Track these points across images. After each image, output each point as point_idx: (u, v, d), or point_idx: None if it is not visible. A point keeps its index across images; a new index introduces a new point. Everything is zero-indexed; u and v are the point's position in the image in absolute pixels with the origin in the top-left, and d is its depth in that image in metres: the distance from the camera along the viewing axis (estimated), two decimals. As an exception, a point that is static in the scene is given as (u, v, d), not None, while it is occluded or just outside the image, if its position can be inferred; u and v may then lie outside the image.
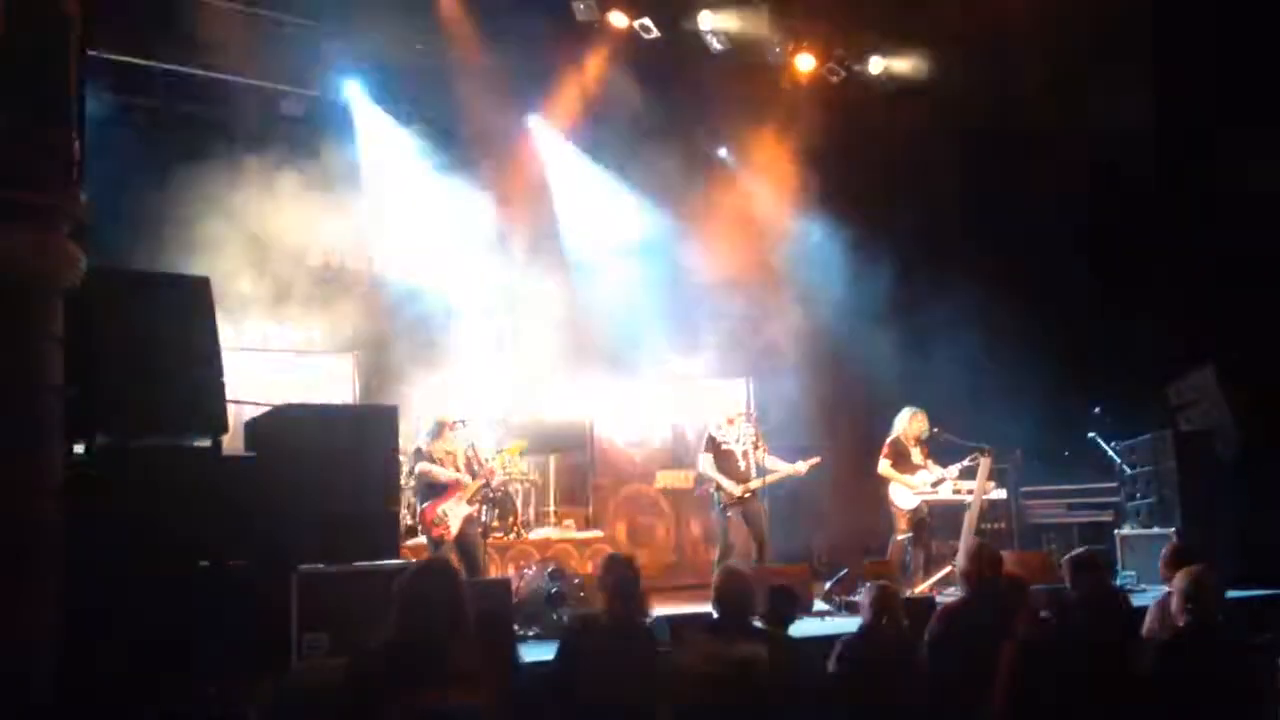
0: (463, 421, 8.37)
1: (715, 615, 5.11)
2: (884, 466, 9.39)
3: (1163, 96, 10.22)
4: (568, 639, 5.01)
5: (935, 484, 9.36)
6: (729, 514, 8.84)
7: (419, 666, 3.69)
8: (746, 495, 8.84)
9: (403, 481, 8.25)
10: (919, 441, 9.45)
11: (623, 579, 5.03)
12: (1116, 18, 9.71)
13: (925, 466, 9.44)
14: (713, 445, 8.97)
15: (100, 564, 4.82)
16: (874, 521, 9.96)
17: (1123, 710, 4.56)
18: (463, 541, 8.04)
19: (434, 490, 8.07)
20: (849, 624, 6.76)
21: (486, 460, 8.76)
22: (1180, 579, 4.89)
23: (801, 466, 9.00)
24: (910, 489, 9.30)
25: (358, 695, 3.71)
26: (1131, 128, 10.34)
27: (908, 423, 9.44)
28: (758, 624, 5.17)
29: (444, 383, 10.27)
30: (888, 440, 9.47)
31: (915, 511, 9.30)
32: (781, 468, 9.01)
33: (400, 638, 3.79)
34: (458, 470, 8.24)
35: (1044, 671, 4.59)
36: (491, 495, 9.35)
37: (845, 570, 8.58)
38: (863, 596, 5.56)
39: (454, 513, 8.05)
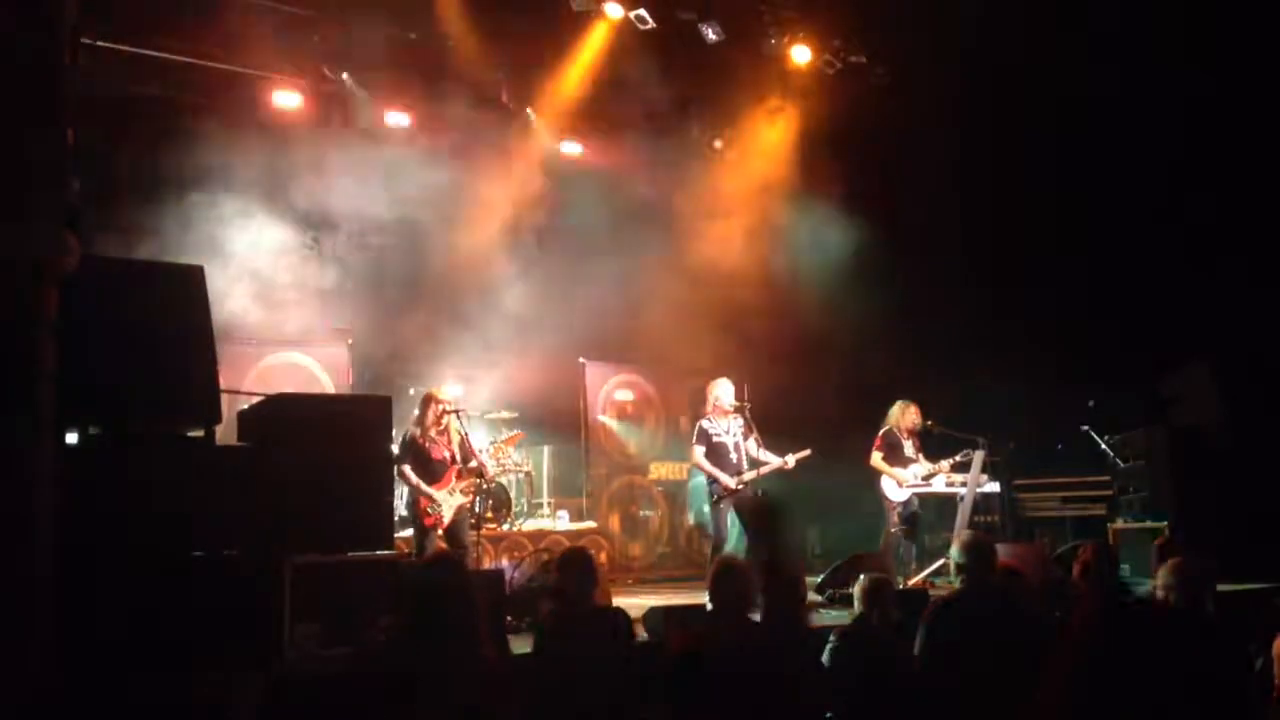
0: (456, 413, 8.29)
1: (711, 606, 5.11)
2: (876, 459, 9.44)
3: (1161, 93, 10.22)
4: (537, 636, 5.01)
5: (927, 477, 9.41)
6: (721, 506, 8.84)
7: (438, 660, 3.67)
8: (740, 487, 8.84)
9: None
10: (911, 434, 9.51)
11: (577, 576, 5.01)
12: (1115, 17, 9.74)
13: (917, 460, 9.49)
14: (704, 437, 8.96)
15: (93, 554, 4.81)
16: (869, 514, 9.99)
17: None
18: (453, 531, 7.97)
19: (428, 476, 7.98)
20: (843, 616, 6.77)
21: (481, 450, 8.72)
22: (1165, 571, 4.90)
23: (790, 460, 8.95)
24: (900, 482, 9.34)
25: (370, 690, 3.68)
26: (1129, 124, 10.36)
27: (900, 415, 9.49)
28: (755, 616, 5.18)
29: (439, 372, 10.25)
30: (880, 432, 9.51)
31: (906, 504, 9.35)
32: (771, 460, 8.99)
33: (414, 631, 3.77)
34: (452, 453, 8.10)
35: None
36: (486, 486, 9.35)
37: (839, 563, 8.59)
38: (855, 589, 5.57)
39: (448, 502, 7.98)
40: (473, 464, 8.19)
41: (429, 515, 7.87)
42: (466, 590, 3.88)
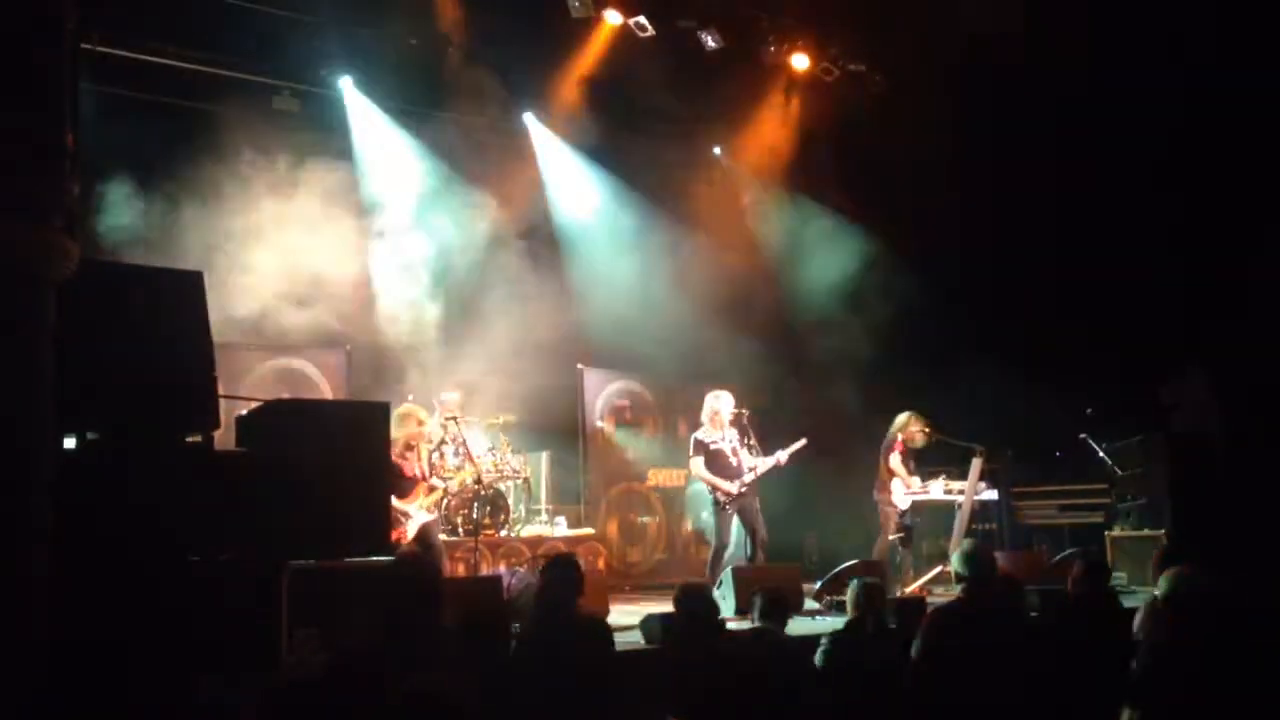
0: (454, 418, 8.31)
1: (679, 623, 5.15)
2: (895, 461, 9.52)
3: (1161, 96, 10.23)
4: (515, 650, 5.00)
5: (920, 490, 9.52)
6: (727, 509, 8.84)
7: (397, 655, 3.69)
8: (743, 490, 8.85)
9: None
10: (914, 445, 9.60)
11: (553, 579, 5.01)
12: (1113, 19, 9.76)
13: (914, 473, 9.62)
14: (701, 448, 8.97)
15: (91, 559, 4.81)
16: (866, 520, 10.00)
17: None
18: (420, 542, 7.92)
19: (397, 492, 7.85)
20: (840, 623, 6.77)
21: (479, 457, 8.75)
22: (1164, 580, 4.90)
23: (781, 456, 8.98)
24: (909, 487, 9.44)
25: (341, 689, 3.70)
26: (1128, 128, 10.38)
27: (913, 427, 9.53)
28: (732, 624, 5.23)
29: (437, 377, 10.25)
30: (897, 439, 9.53)
31: (906, 513, 9.37)
32: (766, 462, 8.99)
33: (380, 631, 3.79)
34: (421, 469, 8.11)
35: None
36: (483, 493, 9.36)
37: (837, 569, 8.59)
38: (848, 594, 5.58)
39: (415, 518, 7.95)
40: (435, 481, 8.28)
41: (394, 529, 7.88)
42: (431, 587, 3.89)
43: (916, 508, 9.47)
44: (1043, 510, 11.00)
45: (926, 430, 9.48)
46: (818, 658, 5.39)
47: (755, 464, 8.94)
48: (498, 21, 10.17)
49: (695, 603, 5.19)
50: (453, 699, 3.68)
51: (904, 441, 9.51)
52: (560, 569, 5.02)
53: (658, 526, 11.75)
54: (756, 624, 5.32)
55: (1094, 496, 10.43)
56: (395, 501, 7.85)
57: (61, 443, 4.93)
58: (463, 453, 9.06)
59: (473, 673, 3.93)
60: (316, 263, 10.20)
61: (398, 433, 7.98)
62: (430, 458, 8.32)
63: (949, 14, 9.98)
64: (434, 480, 8.33)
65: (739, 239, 12.17)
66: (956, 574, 5.18)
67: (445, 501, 8.85)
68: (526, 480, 10.61)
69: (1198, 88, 10.04)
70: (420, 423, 8.14)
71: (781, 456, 8.94)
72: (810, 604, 8.47)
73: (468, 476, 8.96)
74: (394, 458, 7.91)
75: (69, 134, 4.49)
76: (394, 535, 7.84)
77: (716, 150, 12.69)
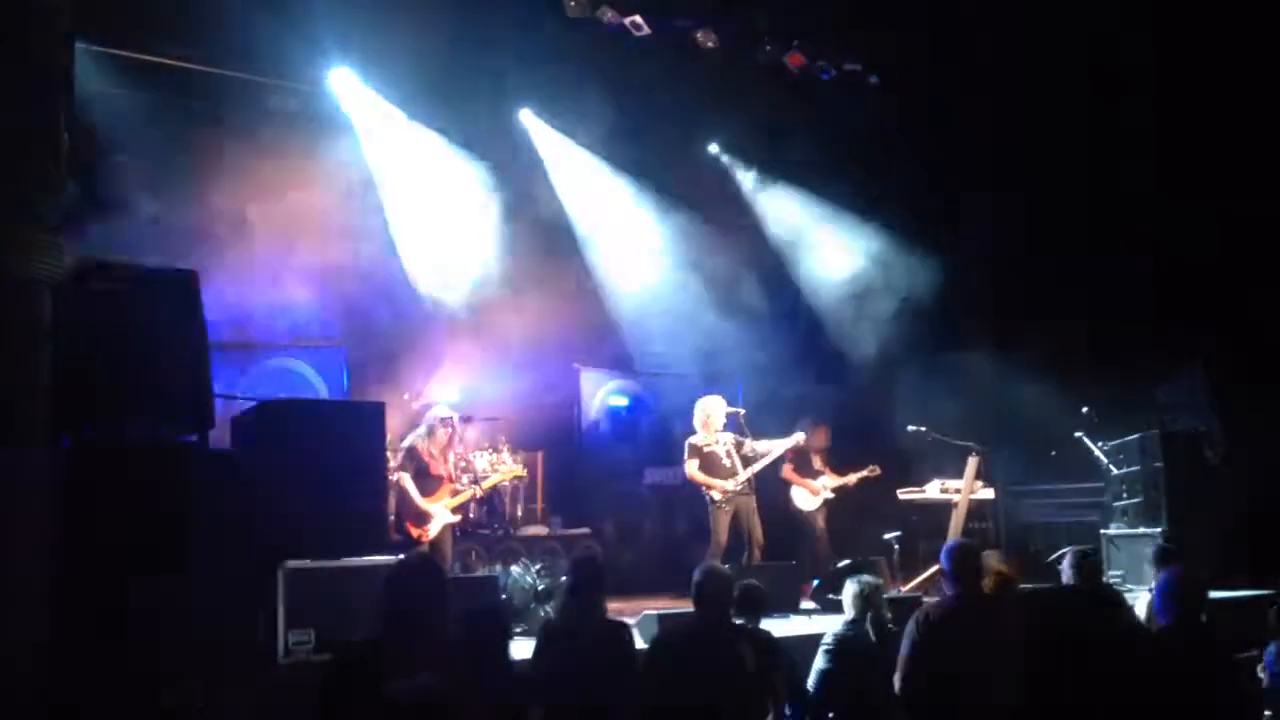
0: (457, 425, 8.42)
1: (695, 611, 5.14)
2: (787, 471, 10.00)
3: (1161, 96, 10.23)
4: (538, 642, 5.02)
5: (835, 489, 10.08)
6: (724, 509, 8.87)
7: (400, 657, 3.70)
8: (739, 488, 8.88)
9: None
10: (819, 451, 10.19)
11: (583, 580, 5.05)
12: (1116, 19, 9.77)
13: (824, 472, 10.16)
14: (695, 452, 9.01)
15: (87, 558, 4.81)
16: (866, 520, 10.02)
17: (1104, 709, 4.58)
18: (436, 545, 7.96)
19: (423, 489, 8.00)
20: (835, 621, 6.78)
21: (482, 470, 8.88)
22: (1161, 579, 4.91)
23: (790, 441, 9.29)
24: (813, 491, 10.02)
25: (339, 689, 3.70)
26: (1128, 126, 10.38)
27: (811, 434, 9.89)
28: (738, 621, 5.22)
29: (435, 378, 10.25)
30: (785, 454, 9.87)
31: (817, 513, 9.97)
32: (767, 447, 9.14)
33: (385, 630, 3.79)
34: (448, 471, 8.24)
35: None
36: (478, 495, 9.38)
37: (835, 568, 8.59)
38: (845, 594, 5.58)
39: (439, 517, 8.00)
40: (460, 485, 8.46)
41: (417, 527, 7.89)
42: (439, 590, 3.90)
43: (828, 505, 10.06)
44: (1039, 509, 10.98)
45: (827, 435, 10.24)
46: (820, 658, 5.40)
47: (752, 462, 9.00)
48: (496, 17, 10.14)
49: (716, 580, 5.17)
50: (452, 699, 3.68)
51: (793, 449, 9.74)
52: (589, 568, 5.12)
53: (654, 526, 11.75)
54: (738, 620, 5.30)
55: (1090, 495, 10.41)
56: (420, 500, 7.90)
57: (58, 442, 4.93)
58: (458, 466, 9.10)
59: (471, 673, 3.93)
60: (313, 262, 10.20)
61: (425, 442, 8.09)
62: (458, 462, 8.54)
63: (946, 11, 10.00)
64: (459, 485, 8.47)
65: (735, 237, 12.16)
66: (943, 572, 5.20)
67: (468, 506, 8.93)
68: (522, 480, 10.60)
69: (1200, 88, 10.04)
70: (454, 427, 8.30)
71: (790, 441, 9.23)
72: (806, 604, 8.50)
73: (503, 479, 9.32)
74: (424, 455, 7.99)
75: (63, 134, 4.49)
76: (416, 533, 7.89)
77: (713, 148, 12.68)
